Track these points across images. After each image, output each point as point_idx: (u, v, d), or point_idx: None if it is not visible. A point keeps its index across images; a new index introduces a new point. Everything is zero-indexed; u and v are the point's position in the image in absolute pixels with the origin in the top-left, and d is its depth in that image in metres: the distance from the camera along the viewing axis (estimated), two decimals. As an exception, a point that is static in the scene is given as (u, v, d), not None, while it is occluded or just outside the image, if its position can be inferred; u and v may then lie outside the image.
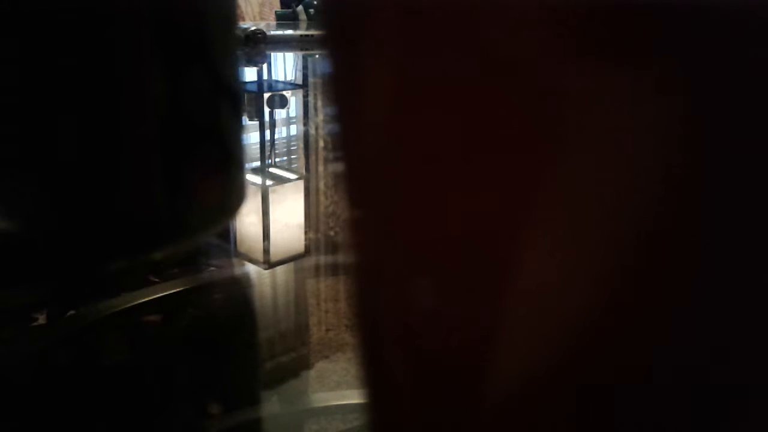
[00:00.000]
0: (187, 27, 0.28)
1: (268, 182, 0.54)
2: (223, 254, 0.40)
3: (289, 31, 1.69)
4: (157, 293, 0.33)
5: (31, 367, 0.28)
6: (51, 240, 0.26)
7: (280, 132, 0.75)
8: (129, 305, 0.32)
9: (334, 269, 0.39)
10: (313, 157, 0.64)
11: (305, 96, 0.96)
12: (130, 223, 0.28)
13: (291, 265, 0.39)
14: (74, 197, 0.26)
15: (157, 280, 0.34)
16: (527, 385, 0.11)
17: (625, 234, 0.10)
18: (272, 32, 1.57)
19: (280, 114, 0.85)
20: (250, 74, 1.11)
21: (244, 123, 0.68)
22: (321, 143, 0.67)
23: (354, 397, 0.26)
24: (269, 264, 0.39)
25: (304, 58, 1.36)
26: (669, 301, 0.10)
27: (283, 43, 1.54)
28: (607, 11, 0.09)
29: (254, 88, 1.01)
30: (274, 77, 1.20)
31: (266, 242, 0.42)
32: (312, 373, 0.28)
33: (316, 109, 0.86)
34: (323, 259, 0.40)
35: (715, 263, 0.10)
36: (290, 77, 1.22)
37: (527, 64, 0.10)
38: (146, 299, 0.32)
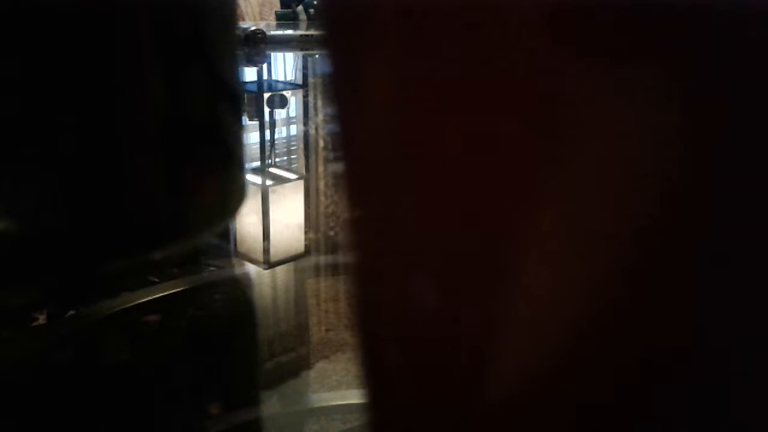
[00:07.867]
0: (187, 27, 0.28)
1: (268, 182, 0.54)
2: (223, 254, 0.40)
3: (289, 31, 1.69)
4: (157, 293, 0.33)
5: (31, 367, 0.28)
6: (51, 240, 0.26)
7: (280, 132, 0.75)
8: (129, 305, 0.32)
9: (334, 269, 0.39)
10: (313, 157, 0.64)
11: (305, 96, 0.96)
12: (130, 223, 0.28)
13: (291, 265, 0.39)
14: (74, 197, 0.26)
15: (157, 280, 0.34)
16: (526, 384, 0.11)
17: (625, 234, 0.10)
18: (272, 32, 1.57)
19: (280, 114, 0.85)
20: (250, 74, 1.11)
21: (244, 123, 0.68)
22: (321, 143, 0.67)
23: (354, 397, 0.26)
24: (269, 264, 0.39)
25: (304, 58, 1.36)
26: (668, 302, 0.10)
27: (283, 43, 1.54)
28: (606, 11, 0.09)
29: (254, 88, 1.01)
30: (274, 77, 1.20)
31: (266, 242, 0.42)
32: (312, 373, 0.28)
33: (316, 109, 0.86)
34: (323, 259, 0.40)
35: (715, 263, 0.10)
36: (290, 77, 1.22)
37: (527, 64, 0.10)
38: (146, 299, 0.32)
